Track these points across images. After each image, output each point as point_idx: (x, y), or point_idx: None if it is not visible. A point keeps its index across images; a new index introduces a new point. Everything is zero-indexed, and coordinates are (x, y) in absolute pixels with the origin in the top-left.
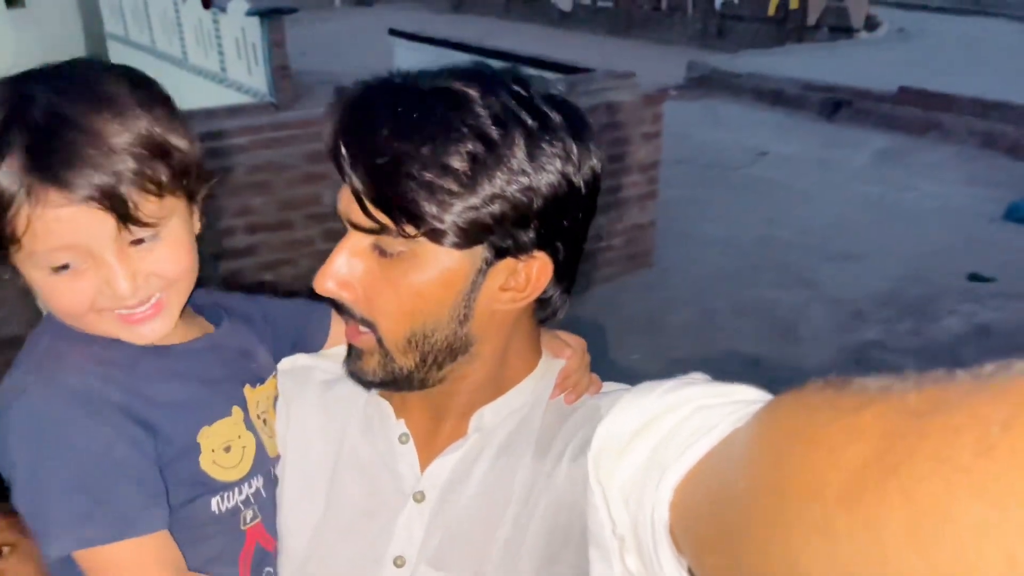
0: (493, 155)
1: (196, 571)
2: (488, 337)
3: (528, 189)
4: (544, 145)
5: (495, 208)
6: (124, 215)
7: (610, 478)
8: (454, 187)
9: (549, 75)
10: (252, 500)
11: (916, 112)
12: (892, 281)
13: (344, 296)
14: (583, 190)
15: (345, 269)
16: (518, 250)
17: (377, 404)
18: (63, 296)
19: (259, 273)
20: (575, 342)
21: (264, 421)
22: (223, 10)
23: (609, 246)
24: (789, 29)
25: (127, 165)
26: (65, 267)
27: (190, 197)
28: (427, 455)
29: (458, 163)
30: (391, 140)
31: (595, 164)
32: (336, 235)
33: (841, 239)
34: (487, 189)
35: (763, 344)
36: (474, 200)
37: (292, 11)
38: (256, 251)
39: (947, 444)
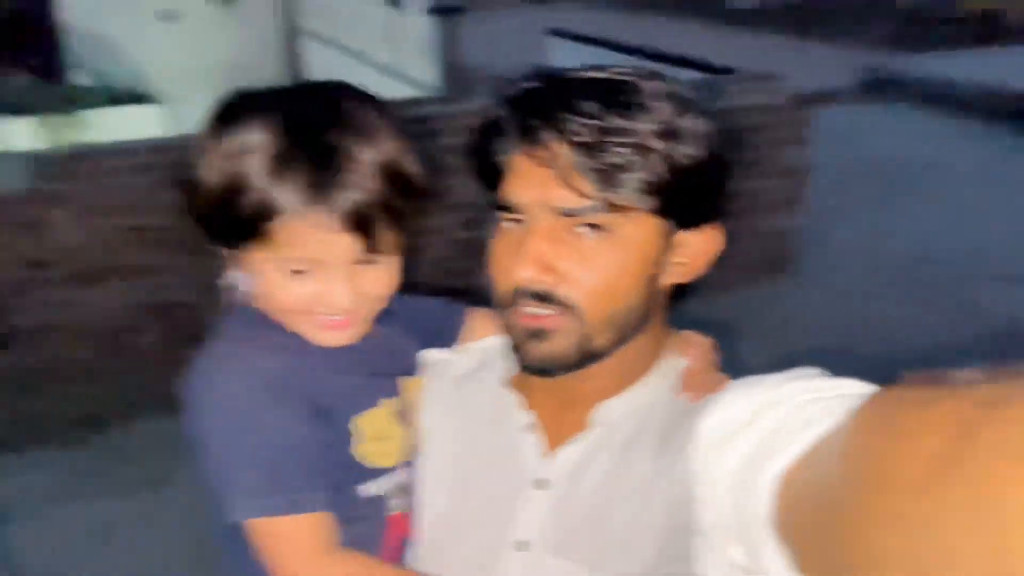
0: (682, 125)
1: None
2: (654, 314)
3: (711, 158)
4: (707, 120)
5: (688, 176)
6: (371, 242)
7: (715, 468)
8: (655, 156)
9: (691, 74)
10: (397, 488)
11: None
12: None
13: (546, 281)
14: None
15: (545, 253)
16: (699, 220)
17: (505, 396)
18: (286, 294)
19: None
20: (701, 340)
21: (411, 414)
22: (402, 8)
23: (744, 250)
24: (981, 31)
25: (383, 196)
26: (299, 272)
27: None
28: (552, 445)
29: (657, 135)
30: (598, 115)
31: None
32: (474, 225)
33: (1011, 260)
34: (681, 157)
35: (903, 369)
36: (672, 168)
37: (465, 9)
38: None
39: (1006, 434)
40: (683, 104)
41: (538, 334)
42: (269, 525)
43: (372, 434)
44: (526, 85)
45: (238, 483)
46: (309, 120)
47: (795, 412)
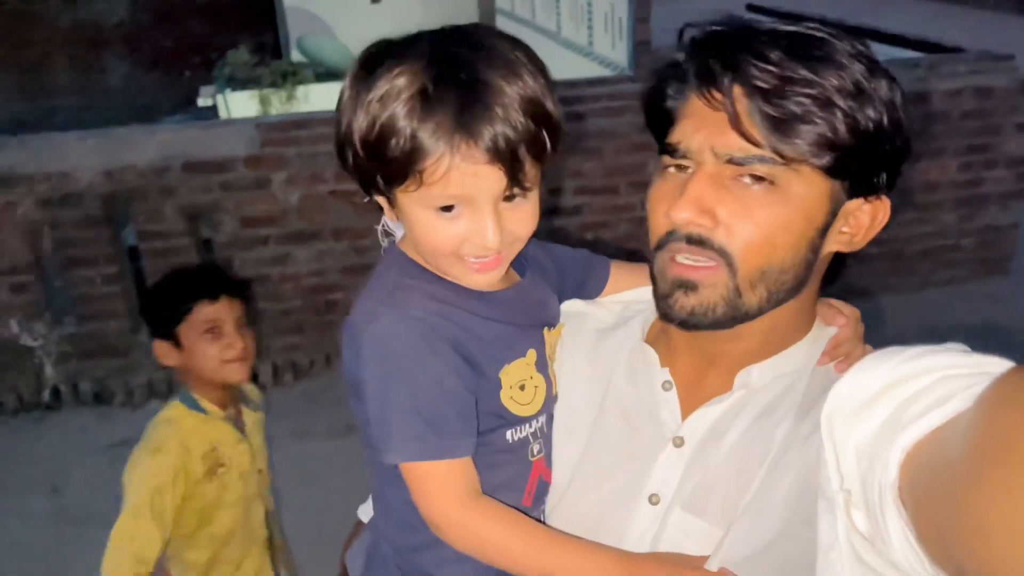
0: (869, 87)
1: (488, 494)
2: (813, 281)
3: (895, 126)
4: (897, 88)
5: (869, 140)
6: (514, 175)
7: (844, 436)
8: (838, 112)
9: (912, 54)
10: (539, 434)
11: None
12: None
13: (703, 224)
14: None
15: (708, 197)
16: (871, 189)
17: (643, 351)
18: (437, 234)
19: (582, 232)
20: (849, 311)
21: (551, 362)
22: None
23: (957, 245)
24: None
25: (526, 129)
26: (449, 208)
27: (544, 174)
28: (689, 404)
29: (841, 90)
30: (781, 63)
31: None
32: None
33: None
34: (864, 119)
35: None
36: (853, 128)
37: None
38: (581, 212)
39: None
40: (873, 67)
41: (687, 285)
42: (424, 468)
43: (518, 382)
44: (711, 28)
45: (395, 428)
46: (453, 58)
47: (933, 387)
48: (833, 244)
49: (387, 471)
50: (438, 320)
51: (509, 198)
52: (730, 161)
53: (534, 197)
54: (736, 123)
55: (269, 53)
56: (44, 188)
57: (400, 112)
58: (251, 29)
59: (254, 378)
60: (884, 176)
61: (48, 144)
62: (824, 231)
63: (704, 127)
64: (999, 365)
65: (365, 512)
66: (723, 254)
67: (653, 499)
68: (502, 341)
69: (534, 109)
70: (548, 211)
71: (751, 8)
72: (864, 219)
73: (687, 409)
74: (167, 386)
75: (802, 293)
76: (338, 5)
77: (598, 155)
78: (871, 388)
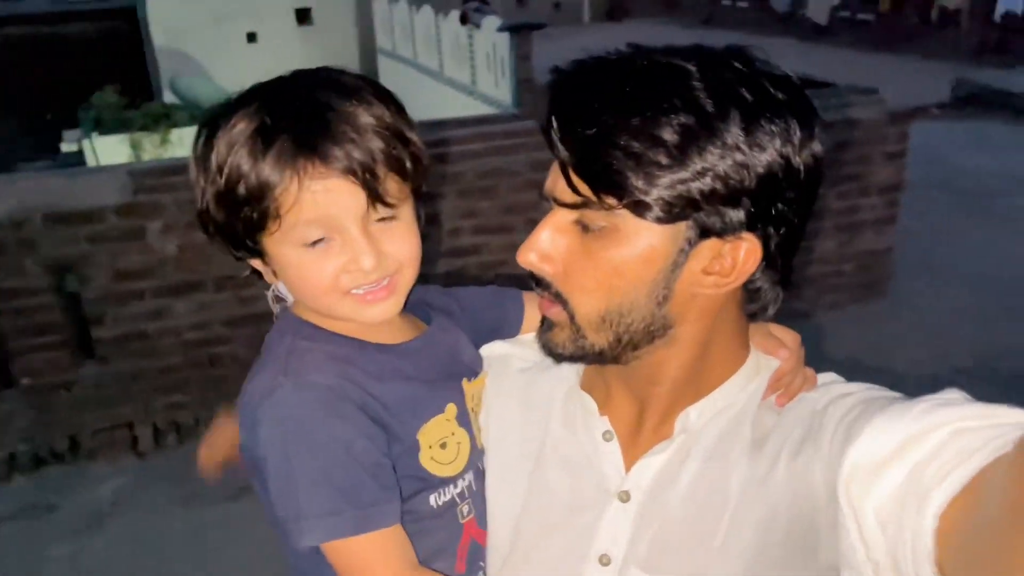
0: (706, 129)
1: (422, 564)
2: (688, 321)
3: (741, 166)
4: (763, 123)
5: (704, 183)
6: (374, 191)
7: (863, 500)
8: (662, 159)
9: None
10: (466, 494)
11: None
12: None
13: (545, 269)
14: (801, 173)
15: (548, 243)
16: (725, 230)
17: (580, 399)
18: (312, 272)
19: (482, 272)
20: (790, 339)
21: (475, 415)
22: (478, 26)
23: (838, 271)
24: None
25: (377, 145)
26: (317, 242)
27: (417, 190)
28: (632, 453)
29: (668, 135)
30: (600, 111)
31: (817, 149)
32: None
33: None
34: (697, 163)
35: (1005, 401)
36: (682, 174)
37: (540, 26)
38: (480, 251)
39: None
40: (722, 104)
41: (545, 322)
42: (350, 546)
43: (438, 440)
44: (556, 69)
45: (306, 505)
46: (290, 93)
47: (948, 443)
48: (699, 286)
49: (307, 560)
50: (341, 383)
51: (382, 221)
52: (564, 206)
53: (408, 216)
54: (565, 172)
55: (139, 95)
56: None
57: (242, 154)
58: (119, 69)
59: (133, 443)
60: (741, 214)
61: None
62: (673, 272)
63: (553, 172)
64: (1011, 414)
65: None
66: (560, 299)
67: (603, 559)
68: (416, 398)
69: (383, 126)
70: (447, 252)
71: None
72: (727, 261)
73: (630, 459)
74: (33, 459)
75: (679, 335)
76: (212, 44)
77: (493, 193)
78: (885, 449)
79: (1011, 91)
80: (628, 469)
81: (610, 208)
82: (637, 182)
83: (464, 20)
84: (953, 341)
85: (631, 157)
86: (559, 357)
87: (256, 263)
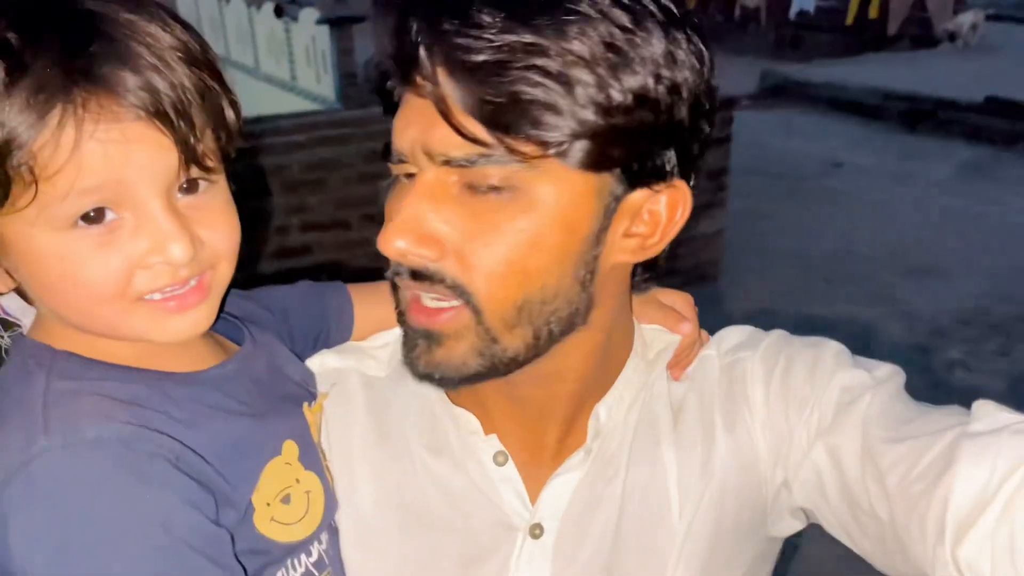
0: (629, 43)
1: None
2: (602, 301)
3: (671, 90)
4: (680, 38)
5: (638, 113)
6: (188, 146)
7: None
8: (586, 80)
9: None
10: (325, 562)
11: (1004, 124)
12: (976, 299)
13: (425, 255)
14: (715, 103)
15: (425, 219)
16: (654, 176)
17: (453, 416)
18: (90, 267)
19: (316, 275)
20: (685, 306)
21: (323, 452)
22: (295, 19)
23: (674, 254)
24: (867, 39)
25: (187, 77)
26: (96, 218)
27: (228, 158)
28: (533, 477)
29: (587, 50)
30: (499, 30)
31: (715, 78)
32: None
33: (921, 254)
34: (627, 84)
35: None
36: (612, 98)
37: (361, 19)
38: (311, 251)
39: None
40: (641, 14)
41: (429, 336)
42: None
43: (278, 494)
44: None
45: None
46: (46, 2)
47: None
48: (619, 252)
49: None
50: (138, 433)
51: (188, 189)
52: (448, 164)
53: (225, 191)
54: (445, 113)
55: None
56: None
57: None
58: None
59: None
60: (672, 156)
61: None
62: (598, 238)
63: (414, 121)
64: None
65: None
66: (459, 291)
67: None
68: (242, 442)
69: (190, 53)
70: (273, 253)
71: None
72: (660, 213)
73: (533, 485)
74: None
75: (593, 318)
76: None
77: (323, 187)
78: (971, 501)
79: (810, 82)
80: (533, 497)
81: (520, 158)
82: (552, 117)
83: (279, 13)
84: (779, 319)
85: (546, 85)
86: (455, 382)
87: None
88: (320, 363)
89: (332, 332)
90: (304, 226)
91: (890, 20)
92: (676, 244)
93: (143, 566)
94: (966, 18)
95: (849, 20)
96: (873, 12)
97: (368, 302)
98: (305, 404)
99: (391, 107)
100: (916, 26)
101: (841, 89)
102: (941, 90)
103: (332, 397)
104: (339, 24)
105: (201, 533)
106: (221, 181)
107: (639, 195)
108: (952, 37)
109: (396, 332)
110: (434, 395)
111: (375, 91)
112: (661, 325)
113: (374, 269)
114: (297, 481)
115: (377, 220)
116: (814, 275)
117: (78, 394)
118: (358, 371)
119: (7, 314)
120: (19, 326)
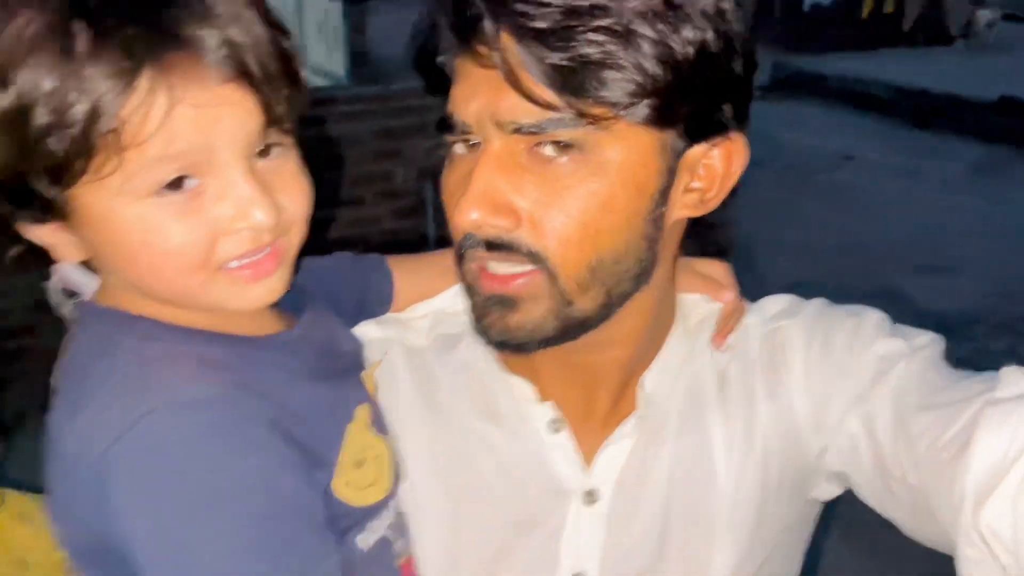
0: (682, 4)
1: None
2: (664, 259)
3: (727, 42)
4: None
5: (697, 67)
6: (269, 106)
7: (985, 524)
8: (651, 38)
9: None
10: (398, 525)
11: (1017, 123)
12: (986, 297)
13: (502, 225)
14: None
15: (499, 188)
16: (714, 130)
17: (507, 384)
18: (174, 236)
19: (331, 249)
20: (725, 276)
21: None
22: None
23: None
24: (882, 34)
25: (267, 39)
26: (177, 185)
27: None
28: (587, 444)
29: (648, 9)
30: None
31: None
32: (408, 213)
33: (931, 251)
34: (682, 45)
35: None
36: (674, 52)
37: None
38: (326, 226)
39: None
40: None
41: (504, 301)
42: None
43: (353, 459)
44: None
45: None
46: None
47: None
48: (681, 208)
49: None
50: (236, 396)
51: (262, 153)
52: (519, 131)
53: (295, 155)
54: (514, 81)
55: None
56: None
57: (40, 58)
58: None
59: None
60: (729, 108)
61: None
62: (664, 195)
63: (479, 91)
64: None
65: None
66: (535, 258)
67: None
68: (328, 404)
69: (268, 14)
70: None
71: None
72: (717, 167)
73: (588, 450)
74: None
75: (656, 278)
76: None
77: (338, 164)
78: (997, 464)
79: (823, 74)
80: (590, 462)
81: (589, 119)
82: (621, 74)
83: None
84: None
85: (612, 39)
86: (531, 346)
87: (45, 233)
88: (362, 334)
89: (373, 303)
90: (320, 202)
91: (905, 15)
92: (685, 235)
93: (242, 531)
94: (985, 13)
95: (864, 14)
96: (888, 7)
97: (406, 274)
98: (364, 374)
99: (439, 83)
100: (931, 22)
101: (854, 83)
102: (954, 87)
103: (384, 365)
104: (352, 1)
105: (298, 498)
106: (292, 145)
107: (698, 150)
108: (967, 32)
109: (435, 303)
110: (483, 364)
111: (417, 68)
112: (703, 293)
113: (387, 247)
114: (369, 446)
115: (389, 198)
116: (820, 269)
117: (172, 356)
118: (400, 342)
119: (68, 281)
120: (79, 293)
